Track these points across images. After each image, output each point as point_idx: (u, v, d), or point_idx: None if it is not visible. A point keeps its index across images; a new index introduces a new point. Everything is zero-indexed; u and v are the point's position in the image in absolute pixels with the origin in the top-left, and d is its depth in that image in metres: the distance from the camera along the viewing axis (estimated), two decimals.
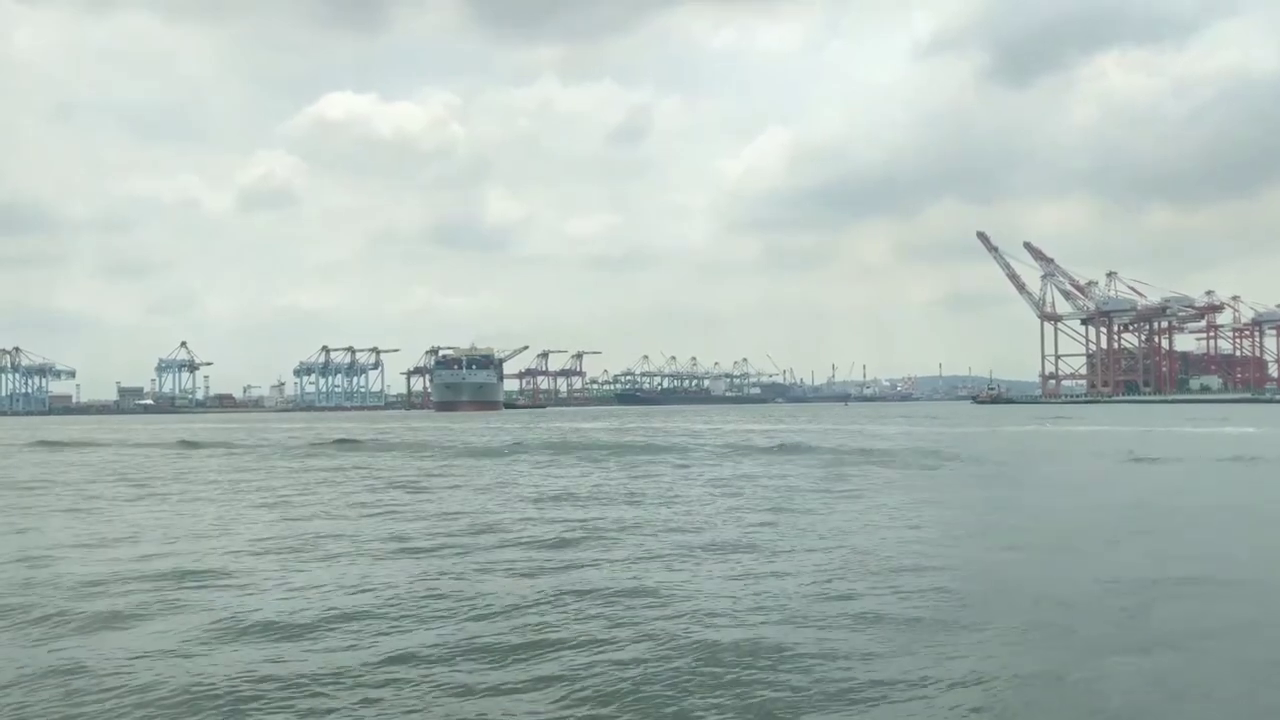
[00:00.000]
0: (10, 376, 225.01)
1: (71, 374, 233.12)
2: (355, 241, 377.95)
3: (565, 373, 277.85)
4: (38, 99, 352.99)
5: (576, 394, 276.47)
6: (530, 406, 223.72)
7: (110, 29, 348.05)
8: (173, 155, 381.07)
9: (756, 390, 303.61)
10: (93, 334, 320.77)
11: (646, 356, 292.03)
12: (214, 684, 7.88)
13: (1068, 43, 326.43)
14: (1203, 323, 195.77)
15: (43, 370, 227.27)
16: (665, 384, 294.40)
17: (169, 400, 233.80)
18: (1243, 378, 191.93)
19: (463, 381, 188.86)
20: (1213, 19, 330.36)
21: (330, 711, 7.30)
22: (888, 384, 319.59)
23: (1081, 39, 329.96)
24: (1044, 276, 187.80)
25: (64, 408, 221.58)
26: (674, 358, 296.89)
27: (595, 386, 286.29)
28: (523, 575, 12.45)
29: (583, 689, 7.69)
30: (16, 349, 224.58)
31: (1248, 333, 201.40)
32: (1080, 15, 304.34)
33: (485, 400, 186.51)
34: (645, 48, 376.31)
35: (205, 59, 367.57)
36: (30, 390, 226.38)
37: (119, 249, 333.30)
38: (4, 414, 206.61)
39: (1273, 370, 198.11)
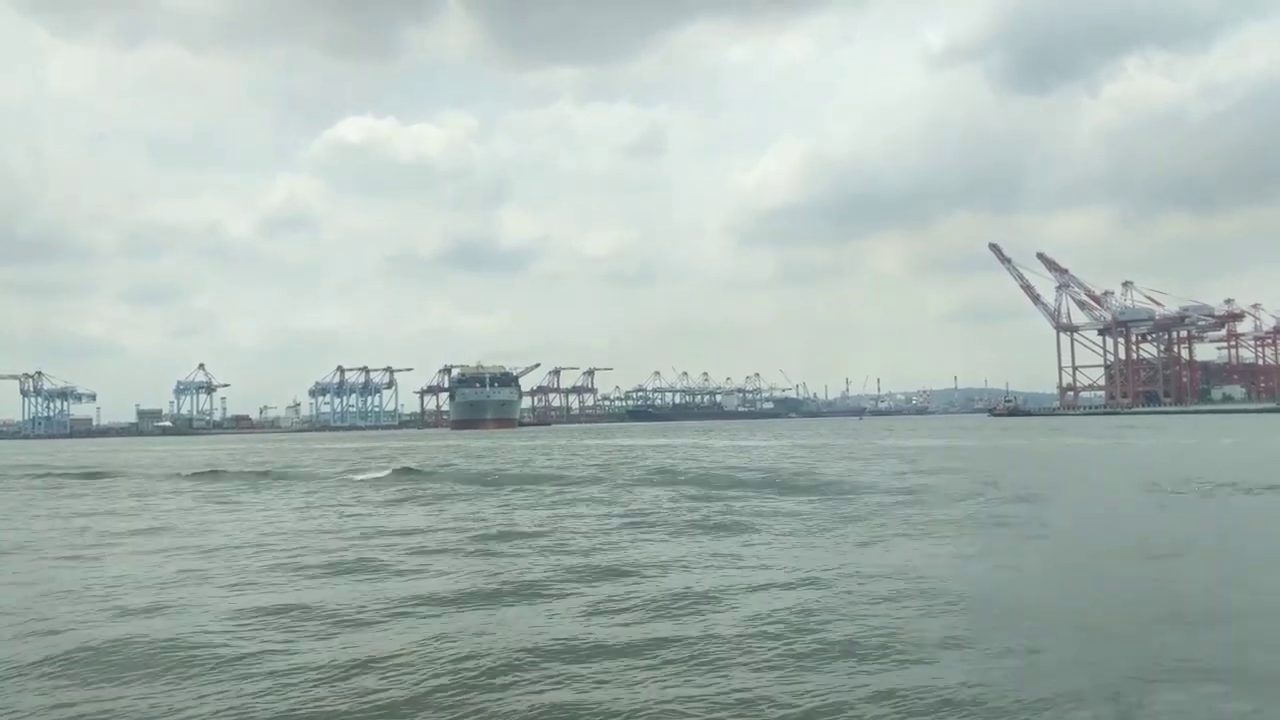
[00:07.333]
0: (32, 400, 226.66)
1: (92, 397, 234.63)
2: (373, 262, 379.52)
3: (577, 389, 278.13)
4: (71, 129, 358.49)
5: (588, 410, 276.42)
6: (536, 424, 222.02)
7: (140, 60, 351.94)
8: (197, 181, 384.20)
9: (769, 405, 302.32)
10: (115, 358, 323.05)
11: (658, 372, 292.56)
12: None
13: (1087, 47, 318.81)
14: (1223, 331, 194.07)
15: (64, 394, 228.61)
16: (677, 400, 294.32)
17: (186, 422, 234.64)
18: (1266, 387, 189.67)
19: (486, 399, 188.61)
20: (1238, 20, 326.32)
21: None
22: (903, 398, 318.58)
23: (1101, 43, 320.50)
24: (1058, 287, 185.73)
25: (85, 430, 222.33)
26: (686, 373, 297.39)
27: (607, 403, 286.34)
28: None
29: None
30: (39, 373, 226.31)
31: (1270, 341, 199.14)
32: (1100, 18, 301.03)
33: (506, 418, 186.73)
34: (660, 65, 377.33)
35: (231, 87, 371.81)
36: (52, 413, 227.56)
37: (143, 274, 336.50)
38: (26, 437, 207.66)
39: None
